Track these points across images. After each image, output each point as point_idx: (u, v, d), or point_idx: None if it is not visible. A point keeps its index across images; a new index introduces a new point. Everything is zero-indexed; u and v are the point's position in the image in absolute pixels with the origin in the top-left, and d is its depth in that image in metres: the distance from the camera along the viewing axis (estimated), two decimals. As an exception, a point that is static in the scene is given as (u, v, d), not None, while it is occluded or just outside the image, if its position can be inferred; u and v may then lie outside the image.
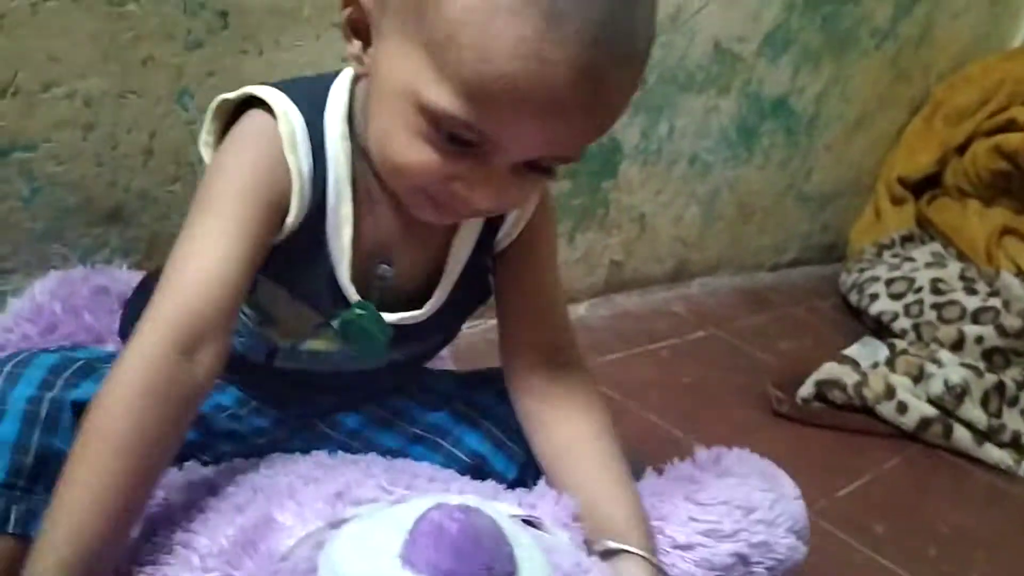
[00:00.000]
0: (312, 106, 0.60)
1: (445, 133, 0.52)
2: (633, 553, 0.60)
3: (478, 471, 0.72)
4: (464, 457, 0.73)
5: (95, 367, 0.61)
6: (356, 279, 0.64)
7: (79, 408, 0.57)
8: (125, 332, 0.69)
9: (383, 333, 0.65)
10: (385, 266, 0.64)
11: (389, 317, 0.65)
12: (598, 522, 0.62)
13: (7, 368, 0.59)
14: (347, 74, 0.62)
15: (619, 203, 1.45)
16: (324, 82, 0.62)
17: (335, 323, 0.64)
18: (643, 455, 1.10)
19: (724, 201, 1.66)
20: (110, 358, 0.60)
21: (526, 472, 0.71)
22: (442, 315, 0.68)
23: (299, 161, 0.59)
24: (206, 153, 0.62)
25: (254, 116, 0.60)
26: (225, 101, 0.61)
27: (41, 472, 0.56)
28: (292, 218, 0.60)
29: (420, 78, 0.51)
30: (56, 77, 0.80)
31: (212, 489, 0.62)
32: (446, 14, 0.49)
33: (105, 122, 0.84)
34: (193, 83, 0.88)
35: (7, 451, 0.56)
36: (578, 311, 1.47)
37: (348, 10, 0.56)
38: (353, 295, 0.63)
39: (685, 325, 1.53)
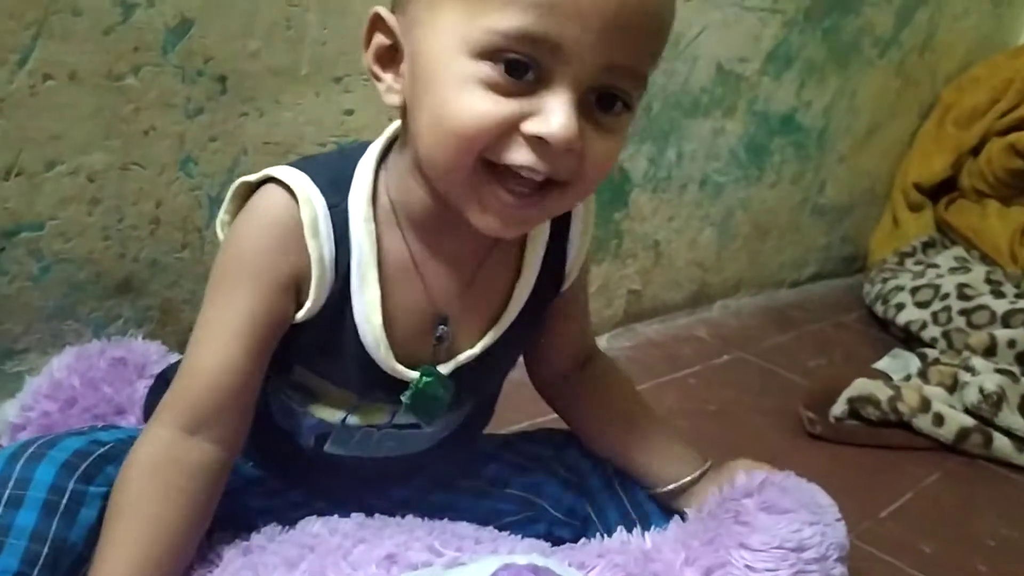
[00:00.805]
0: (335, 189, 0.59)
1: (504, 64, 0.50)
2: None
3: (529, 504, 0.72)
4: (514, 492, 0.73)
5: (121, 451, 0.60)
6: (409, 350, 0.62)
7: (102, 502, 0.57)
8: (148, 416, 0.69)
9: (447, 391, 0.64)
10: (443, 327, 0.63)
11: (444, 368, 0.64)
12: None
13: (32, 449, 0.59)
14: (373, 152, 0.61)
15: (632, 232, 1.44)
16: (350, 160, 0.61)
17: (405, 397, 0.62)
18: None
19: (739, 221, 1.65)
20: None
21: (580, 498, 0.71)
22: (495, 356, 0.66)
23: (321, 247, 0.57)
24: (222, 232, 0.61)
25: (270, 193, 0.58)
26: (245, 183, 0.60)
27: (54, 566, 0.55)
28: (311, 303, 0.59)
29: (465, 21, 0.50)
30: (59, 155, 0.80)
31: (247, 549, 0.62)
32: None
33: (110, 195, 0.84)
34: (196, 149, 0.88)
35: (24, 539, 0.55)
36: (599, 343, 1.45)
37: (374, 40, 0.56)
38: (406, 374, 0.62)
39: (709, 350, 1.50)
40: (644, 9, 0.51)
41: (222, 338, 0.57)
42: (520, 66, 0.50)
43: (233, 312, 0.57)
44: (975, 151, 1.89)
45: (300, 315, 0.59)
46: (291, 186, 0.57)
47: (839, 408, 1.28)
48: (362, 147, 0.62)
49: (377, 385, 0.62)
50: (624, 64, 0.52)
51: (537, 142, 0.51)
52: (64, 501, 0.57)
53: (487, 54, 0.50)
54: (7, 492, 0.56)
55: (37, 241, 0.82)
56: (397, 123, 0.62)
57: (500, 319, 0.65)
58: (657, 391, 1.31)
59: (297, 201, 0.57)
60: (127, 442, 0.61)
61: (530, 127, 0.51)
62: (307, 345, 0.61)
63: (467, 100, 0.51)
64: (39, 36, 0.75)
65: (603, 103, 0.53)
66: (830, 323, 1.75)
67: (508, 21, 0.49)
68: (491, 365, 0.67)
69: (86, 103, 0.80)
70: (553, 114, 0.50)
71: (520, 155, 0.52)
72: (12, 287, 0.82)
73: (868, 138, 1.86)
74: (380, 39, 0.56)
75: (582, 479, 0.71)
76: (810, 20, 1.54)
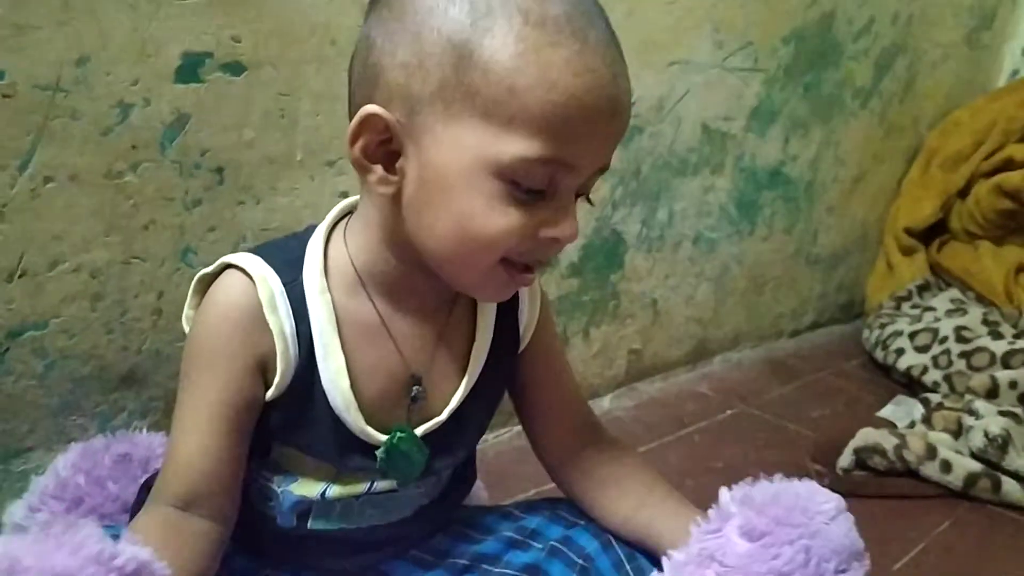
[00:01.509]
0: (289, 266, 0.62)
1: (524, 186, 0.56)
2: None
3: None
4: (517, 573, 0.72)
5: None
6: (383, 415, 0.64)
7: None
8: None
9: (421, 452, 0.66)
10: (418, 387, 0.66)
11: (417, 432, 0.66)
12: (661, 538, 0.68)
13: None
14: (321, 231, 0.65)
15: (630, 292, 1.45)
16: (300, 241, 0.64)
17: (380, 452, 0.64)
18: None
19: (734, 276, 1.66)
20: None
21: None
22: (463, 420, 0.68)
23: (281, 322, 0.60)
24: (188, 327, 0.64)
25: (228, 279, 0.62)
26: (204, 275, 0.63)
27: None
28: (279, 378, 0.61)
29: (489, 144, 0.55)
30: (61, 254, 0.82)
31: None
32: (497, 73, 0.53)
33: (112, 290, 0.86)
34: (195, 240, 0.89)
35: None
36: (602, 404, 1.45)
37: (362, 140, 0.58)
38: (377, 437, 0.64)
39: (712, 405, 1.51)
40: (626, 118, 0.59)
41: (197, 426, 0.60)
42: (533, 187, 0.56)
43: (204, 400, 0.60)
44: (962, 193, 1.92)
45: (270, 393, 0.62)
46: (246, 269, 0.61)
47: (846, 460, 1.28)
48: (309, 230, 0.66)
49: (352, 451, 0.64)
50: (607, 164, 0.60)
51: (552, 242, 0.59)
52: None
53: (509, 176, 0.55)
54: None
55: (41, 339, 0.83)
56: (344, 203, 0.67)
57: (463, 381, 0.68)
58: (662, 451, 1.31)
59: (254, 282, 0.60)
60: None
61: (548, 233, 0.58)
62: (281, 421, 0.63)
63: (494, 216, 0.56)
64: (39, 141, 0.77)
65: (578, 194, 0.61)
66: (831, 371, 1.75)
67: (536, 150, 0.54)
68: (460, 428, 0.69)
69: (86, 202, 0.82)
70: (565, 221, 0.58)
71: (536, 254, 0.60)
72: (17, 386, 0.82)
73: (856, 186, 1.89)
74: (371, 135, 0.57)
75: (589, 561, 0.70)
76: (791, 76, 1.58)
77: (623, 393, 1.50)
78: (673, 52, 1.34)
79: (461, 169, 0.55)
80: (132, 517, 0.72)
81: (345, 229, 0.65)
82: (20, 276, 0.80)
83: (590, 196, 0.63)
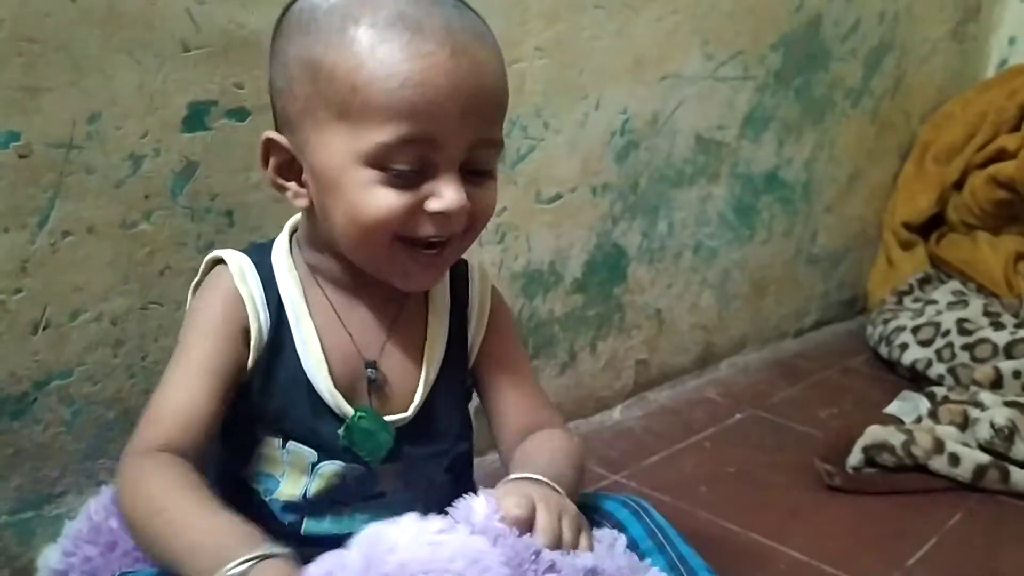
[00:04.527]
0: (259, 252, 0.72)
1: (393, 169, 0.62)
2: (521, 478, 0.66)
3: None
4: None
5: None
6: (344, 388, 0.70)
7: None
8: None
9: (386, 431, 0.71)
10: (371, 369, 0.71)
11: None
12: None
13: None
14: (286, 229, 0.74)
15: (634, 304, 1.48)
16: (269, 241, 0.74)
17: (341, 431, 0.69)
18: (704, 557, 1.09)
19: (736, 281, 1.69)
20: None
21: None
22: (432, 411, 0.74)
23: (250, 289, 0.69)
24: None
25: (211, 273, 0.71)
26: (196, 284, 0.72)
27: None
28: (254, 340, 0.68)
29: (350, 139, 0.61)
30: (82, 305, 0.84)
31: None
32: (340, 77, 0.61)
33: (133, 336, 0.88)
34: (209, 282, 0.92)
35: None
36: (612, 415, 1.48)
37: (272, 162, 0.67)
38: (341, 402, 0.69)
39: (721, 410, 1.52)
40: (489, 91, 0.64)
41: (187, 382, 0.66)
42: (403, 168, 0.62)
43: (190, 361, 0.67)
44: (958, 185, 1.94)
45: (251, 359, 0.68)
46: (221, 256, 0.71)
47: (855, 458, 1.29)
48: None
49: (323, 418, 0.69)
50: (485, 137, 0.65)
51: (439, 215, 0.64)
52: None
53: (378, 162, 0.62)
54: None
55: (67, 388, 0.85)
56: (295, 217, 0.75)
57: (422, 374, 0.73)
58: (675, 460, 1.33)
59: (228, 265, 0.69)
60: None
61: (432, 206, 0.63)
62: (259, 387, 0.69)
63: (373, 199, 0.62)
64: (56, 197, 0.80)
65: (474, 172, 0.66)
66: (837, 369, 1.77)
67: (390, 133, 0.61)
68: (430, 418, 0.73)
69: (104, 253, 0.84)
70: (446, 193, 0.63)
71: (427, 229, 0.64)
72: (46, 434, 0.85)
73: (852, 185, 1.91)
74: (277, 157, 0.67)
75: None
76: (781, 82, 1.60)
77: (632, 403, 1.52)
78: (664, 67, 1.37)
79: (338, 167, 0.62)
80: None
81: (298, 240, 0.73)
82: (44, 328, 0.82)
83: (493, 171, 0.67)
